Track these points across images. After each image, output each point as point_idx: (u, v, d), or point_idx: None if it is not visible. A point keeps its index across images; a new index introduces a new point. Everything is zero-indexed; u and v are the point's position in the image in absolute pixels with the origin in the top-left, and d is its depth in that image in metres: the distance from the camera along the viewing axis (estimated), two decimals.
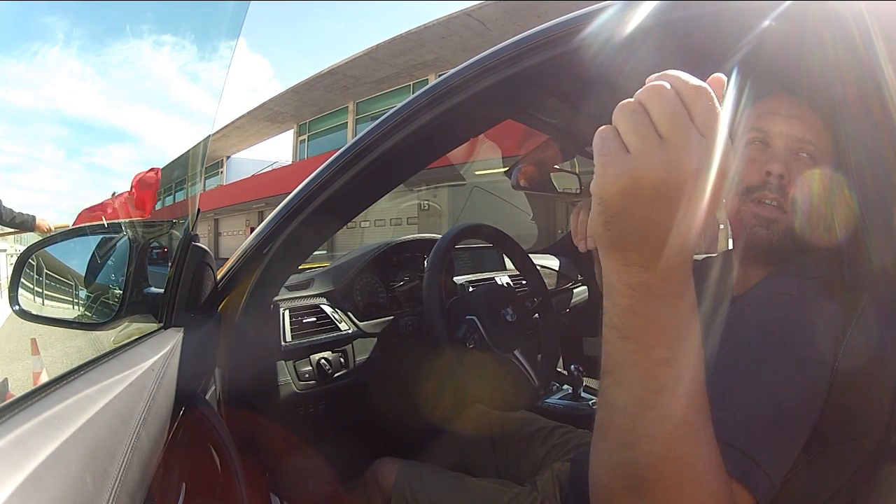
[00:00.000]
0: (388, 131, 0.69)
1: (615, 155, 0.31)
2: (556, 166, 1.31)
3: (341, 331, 1.04)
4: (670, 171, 0.30)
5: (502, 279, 1.32)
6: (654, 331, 0.33)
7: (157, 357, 0.53)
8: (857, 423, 0.47)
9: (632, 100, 0.32)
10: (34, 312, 0.70)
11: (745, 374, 0.45)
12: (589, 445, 0.39)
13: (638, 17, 0.51)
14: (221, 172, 19.69)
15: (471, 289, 1.18)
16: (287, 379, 0.93)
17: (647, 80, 0.32)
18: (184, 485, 0.54)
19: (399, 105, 0.70)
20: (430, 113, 0.67)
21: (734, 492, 0.38)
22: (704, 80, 0.31)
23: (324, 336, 1.01)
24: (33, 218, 2.24)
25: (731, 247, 0.66)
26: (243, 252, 0.78)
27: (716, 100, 0.31)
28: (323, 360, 0.98)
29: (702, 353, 0.35)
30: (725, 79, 0.32)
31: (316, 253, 0.89)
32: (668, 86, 0.31)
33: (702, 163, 0.30)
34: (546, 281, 1.20)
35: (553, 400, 1.37)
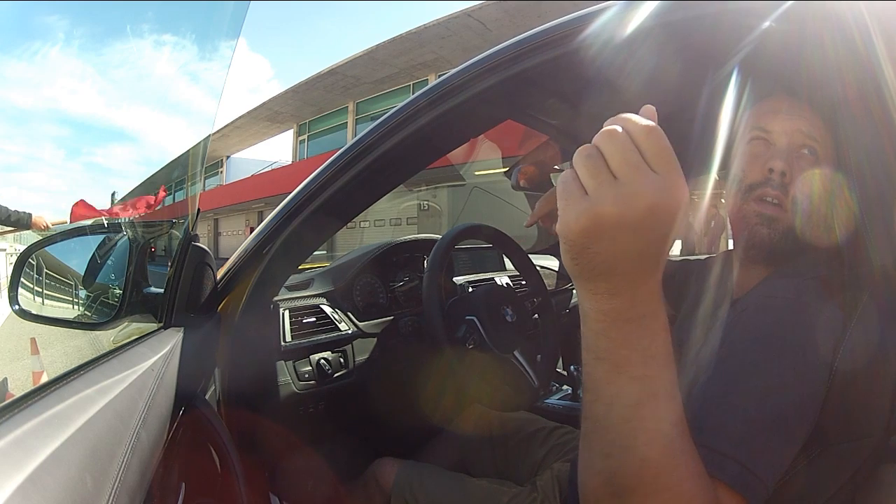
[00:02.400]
0: (388, 131, 0.69)
1: (574, 197, 0.33)
2: (556, 167, 1.31)
3: (341, 331, 1.04)
4: (626, 208, 0.32)
5: (502, 279, 1.32)
6: (627, 351, 0.35)
7: (156, 357, 0.53)
8: (856, 423, 0.47)
9: (589, 144, 0.34)
10: (34, 312, 0.70)
11: (741, 378, 0.46)
12: None
13: (638, 17, 0.51)
14: (221, 172, 19.70)
15: (471, 289, 1.18)
16: (287, 379, 0.93)
17: (604, 125, 0.34)
18: (183, 485, 0.54)
19: (399, 105, 0.70)
20: (430, 113, 0.67)
21: (727, 498, 0.40)
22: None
23: (324, 336, 1.01)
24: (29, 215, 2.24)
25: (731, 247, 0.66)
26: (243, 252, 0.78)
27: (665, 136, 0.33)
28: (323, 361, 0.99)
29: (675, 369, 0.37)
30: (654, 108, 0.34)
31: (316, 253, 0.89)
32: (619, 128, 0.33)
33: (657, 196, 0.32)
34: (546, 281, 1.20)
35: (553, 400, 1.37)
